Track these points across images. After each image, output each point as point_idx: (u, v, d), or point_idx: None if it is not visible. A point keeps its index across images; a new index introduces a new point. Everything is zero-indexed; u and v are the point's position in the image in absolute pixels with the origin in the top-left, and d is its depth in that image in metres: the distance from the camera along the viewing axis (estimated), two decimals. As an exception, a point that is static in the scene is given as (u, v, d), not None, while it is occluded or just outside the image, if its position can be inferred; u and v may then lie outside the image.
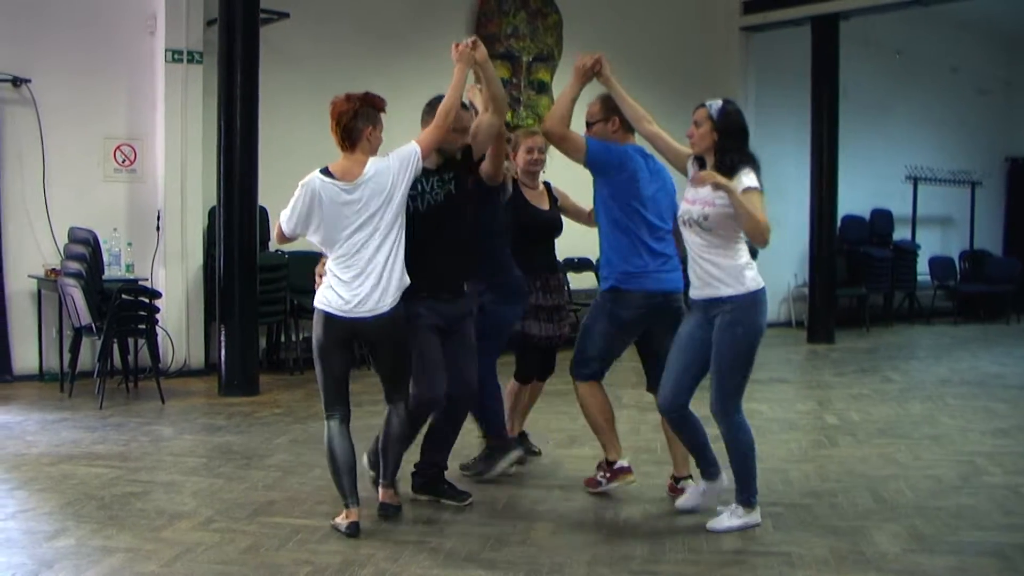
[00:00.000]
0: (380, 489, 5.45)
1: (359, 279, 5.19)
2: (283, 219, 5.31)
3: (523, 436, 6.82)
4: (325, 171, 5.23)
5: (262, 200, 9.55)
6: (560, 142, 5.65)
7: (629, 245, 5.66)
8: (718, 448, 5.49)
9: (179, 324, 10.10)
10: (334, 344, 5.31)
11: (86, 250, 8.76)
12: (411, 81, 9.61)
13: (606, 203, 5.72)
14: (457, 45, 5.57)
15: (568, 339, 6.51)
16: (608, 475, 5.96)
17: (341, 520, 5.22)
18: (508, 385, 6.55)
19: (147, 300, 8.99)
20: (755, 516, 5.32)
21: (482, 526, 5.35)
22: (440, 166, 5.56)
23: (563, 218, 6.63)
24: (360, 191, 5.15)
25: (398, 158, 5.25)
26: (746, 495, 5.31)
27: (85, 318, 8.68)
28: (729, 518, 5.30)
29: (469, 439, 6.42)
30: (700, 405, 5.45)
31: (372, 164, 5.22)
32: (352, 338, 5.34)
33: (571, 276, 12.20)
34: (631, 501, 5.79)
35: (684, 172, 5.56)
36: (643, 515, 5.59)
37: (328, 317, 5.28)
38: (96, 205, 9.91)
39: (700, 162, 5.42)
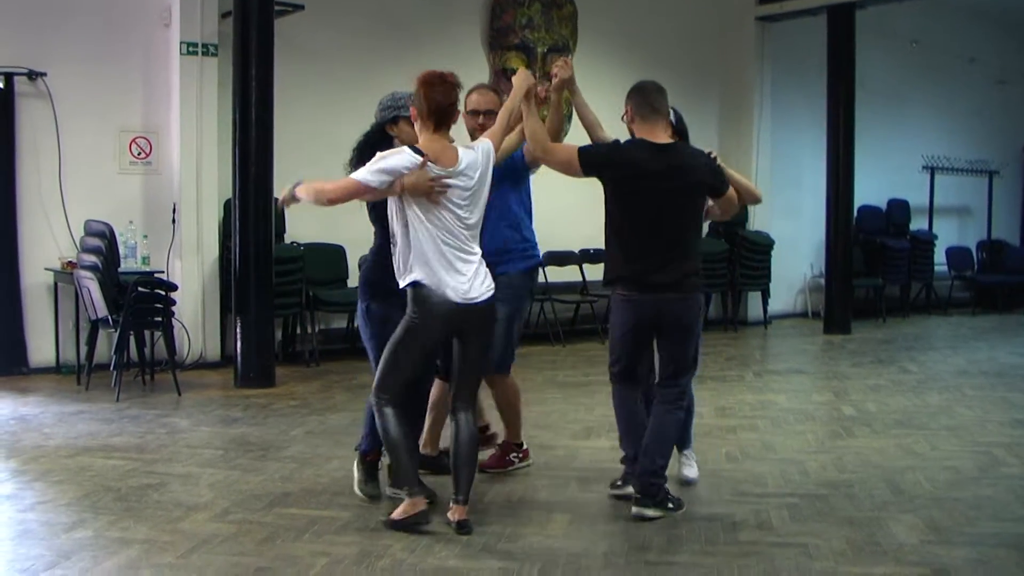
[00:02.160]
0: (454, 506, 5.13)
1: (466, 265, 5.10)
2: (364, 174, 4.97)
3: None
4: (416, 150, 5.03)
5: (277, 192, 9.52)
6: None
7: None
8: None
9: (195, 316, 10.12)
10: (440, 329, 5.16)
11: (102, 243, 8.78)
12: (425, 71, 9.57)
13: None
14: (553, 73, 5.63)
15: None
16: (521, 455, 6.27)
17: (407, 510, 5.08)
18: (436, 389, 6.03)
19: (163, 292, 9.01)
20: None
21: (499, 517, 5.34)
22: None
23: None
24: (456, 178, 5.05)
25: (483, 153, 5.18)
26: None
27: (101, 311, 8.71)
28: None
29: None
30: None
31: (463, 153, 5.11)
32: (458, 326, 5.17)
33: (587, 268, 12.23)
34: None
35: None
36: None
37: (444, 299, 5.06)
38: (112, 198, 9.93)
39: None
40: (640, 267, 5.38)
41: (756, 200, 6.12)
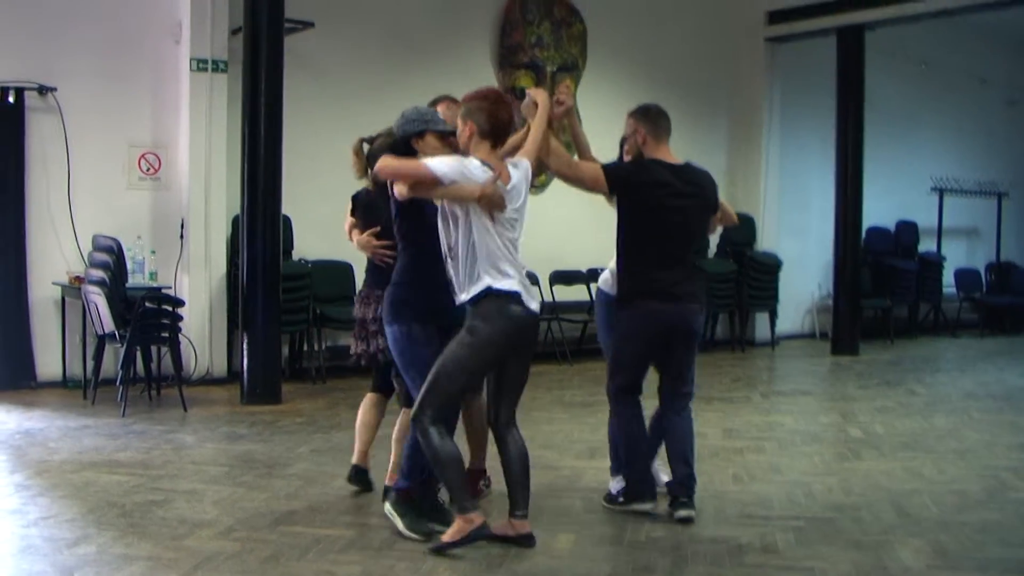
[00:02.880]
0: (515, 521, 5.15)
1: (520, 275, 5.14)
2: (440, 166, 4.97)
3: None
4: (486, 164, 5.05)
5: (285, 208, 9.57)
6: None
7: None
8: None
9: (202, 332, 10.12)
10: (508, 339, 5.10)
11: (110, 258, 8.80)
12: (435, 90, 9.56)
13: None
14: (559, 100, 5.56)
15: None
16: (487, 481, 6.17)
17: (463, 529, 5.00)
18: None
19: (170, 308, 9.02)
20: None
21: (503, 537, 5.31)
22: None
23: None
24: (509, 193, 5.09)
25: (523, 172, 5.21)
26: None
27: (108, 326, 8.71)
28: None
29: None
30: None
31: (512, 170, 5.15)
32: (524, 337, 5.18)
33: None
34: (653, 515, 5.76)
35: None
36: (665, 527, 5.55)
37: (523, 305, 5.08)
38: (120, 213, 9.95)
39: None
40: (669, 279, 5.60)
41: (733, 221, 6.27)
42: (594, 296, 6.48)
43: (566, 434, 8.00)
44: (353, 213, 6.06)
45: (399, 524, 5.29)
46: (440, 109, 5.74)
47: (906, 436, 8.19)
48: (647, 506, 5.73)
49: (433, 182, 4.96)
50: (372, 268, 5.92)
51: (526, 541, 5.13)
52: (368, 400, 6.21)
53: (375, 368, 6.06)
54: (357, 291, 6.21)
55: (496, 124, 5.14)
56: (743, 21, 14.44)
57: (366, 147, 5.60)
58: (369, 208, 5.85)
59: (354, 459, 6.21)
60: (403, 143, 5.38)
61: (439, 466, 5.07)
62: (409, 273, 5.34)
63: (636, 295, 5.63)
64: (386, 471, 5.83)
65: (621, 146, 5.93)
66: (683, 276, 5.66)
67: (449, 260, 5.09)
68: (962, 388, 10.86)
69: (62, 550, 5.05)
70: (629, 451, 5.79)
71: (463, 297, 5.05)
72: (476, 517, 5.05)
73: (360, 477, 6.20)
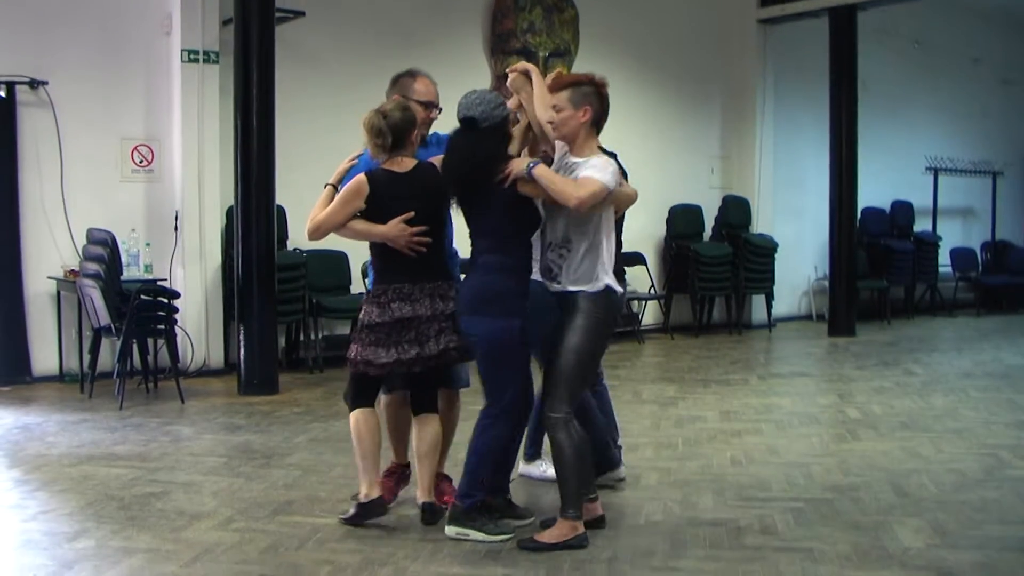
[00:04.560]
0: (590, 505, 5.19)
1: None
2: (609, 178, 4.90)
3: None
4: (612, 154, 5.14)
5: (279, 199, 9.55)
6: None
7: None
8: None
9: (198, 324, 10.11)
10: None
11: (104, 251, 8.77)
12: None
13: None
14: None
15: None
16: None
17: (566, 534, 4.94)
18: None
19: (166, 300, 9.01)
20: None
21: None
22: None
23: None
24: None
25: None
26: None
27: (104, 319, 8.70)
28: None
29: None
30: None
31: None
32: None
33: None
34: (652, 499, 5.76)
35: None
36: (664, 512, 5.56)
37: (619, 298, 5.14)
38: (114, 206, 9.92)
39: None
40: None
41: None
42: None
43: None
44: (368, 197, 5.18)
45: (478, 537, 5.05)
46: (419, 87, 5.56)
47: (904, 416, 8.20)
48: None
49: (606, 197, 4.94)
50: (389, 264, 5.23)
51: (599, 524, 5.20)
52: (391, 401, 5.61)
53: (403, 379, 5.43)
54: (370, 290, 5.40)
55: (605, 111, 5.10)
56: (735, 3, 14.40)
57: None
58: (391, 191, 5.17)
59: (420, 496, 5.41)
60: (503, 132, 5.13)
61: (579, 463, 4.99)
62: (523, 265, 5.11)
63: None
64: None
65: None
66: None
67: (553, 249, 5.03)
68: (959, 367, 10.87)
69: (61, 544, 5.05)
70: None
71: (572, 288, 4.97)
72: (581, 525, 5.01)
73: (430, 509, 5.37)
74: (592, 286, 4.95)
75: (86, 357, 9.37)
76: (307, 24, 10.62)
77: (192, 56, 10.06)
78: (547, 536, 4.97)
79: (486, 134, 5.05)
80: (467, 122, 5.08)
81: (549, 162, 5.14)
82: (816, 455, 6.88)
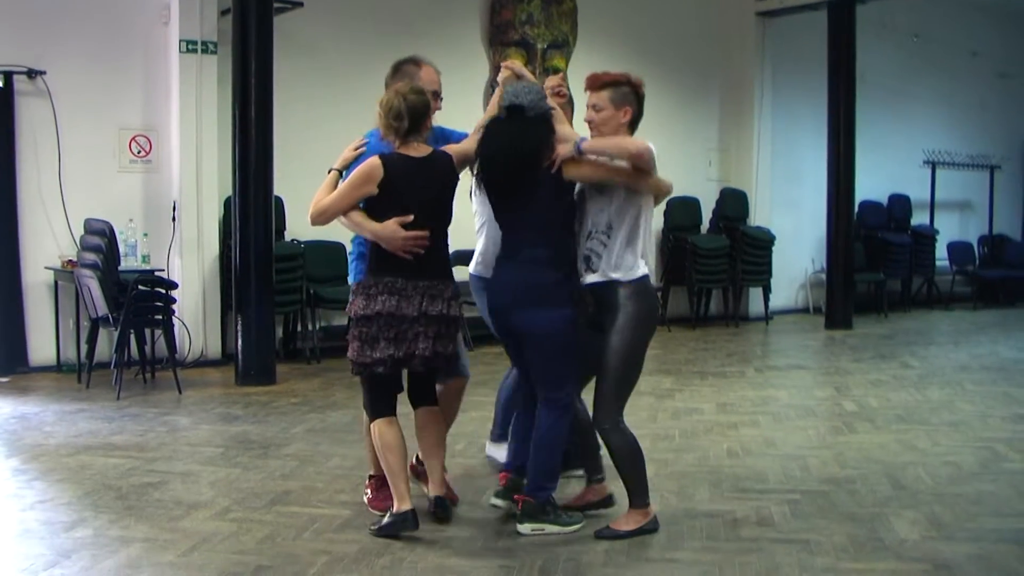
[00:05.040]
0: (599, 486, 5.35)
1: None
2: (650, 147, 4.88)
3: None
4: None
5: (278, 189, 9.55)
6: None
7: None
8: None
9: (195, 314, 10.11)
10: None
11: (102, 241, 8.77)
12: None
13: None
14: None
15: None
16: None
17: (640, 520, 5.03)
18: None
19: (163, 291, 9.00)
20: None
21: (499, 515, 5.31)
22: None
23: None
24: None
25: None
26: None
27: (102, 309, 8.70)
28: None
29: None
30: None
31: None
32: None
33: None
34: (649, 490, 5.76)
35: None
36: (661, 504, 5.55)
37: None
38: (112, 196, 9.91)
39: None
40: None
41: None
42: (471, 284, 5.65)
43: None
44: (381, 182, 4.91)
45: (554, 530, 5.01)
46: (425, 76, 5.37)
47: (900, 409, 8.22)
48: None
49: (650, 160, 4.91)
50: (385, 257, 4.97)
51: (607, 503, 5.33)
52: (388, 423, 5.09)
53: (410, 377, 5.18)
54: (359, 281, 5.09)
55: (641, 112, 5.08)
56: (734, -4, 14.41)
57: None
58: (406, 177, 4.94)
59: (431, 491, 5.26)
60: (548, 117, 5.04)
61: (637, 459, 5.03)
62: (569, 255, 5.03)
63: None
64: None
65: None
66: None
67: (593, 237, 4.94)
68: (956, 360, 10.89)
69: (59, 533, 5.05)
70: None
71: (612, 274, 4.89)
72: (651, 510, 5.08)
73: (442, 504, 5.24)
74: (630, 273, 4.89)
75: (83, 347, 9.38)
76: (305, 15, 10.61)
77: (190, 46, 10.05)
78: (623, 524, 5.02)
79: (535, 122, 4.95)
80: (514, 109, 4.95)
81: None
82: (813, 447, 6.89)
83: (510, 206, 5.06)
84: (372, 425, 5.07)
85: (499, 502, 5.23)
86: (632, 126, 5.04)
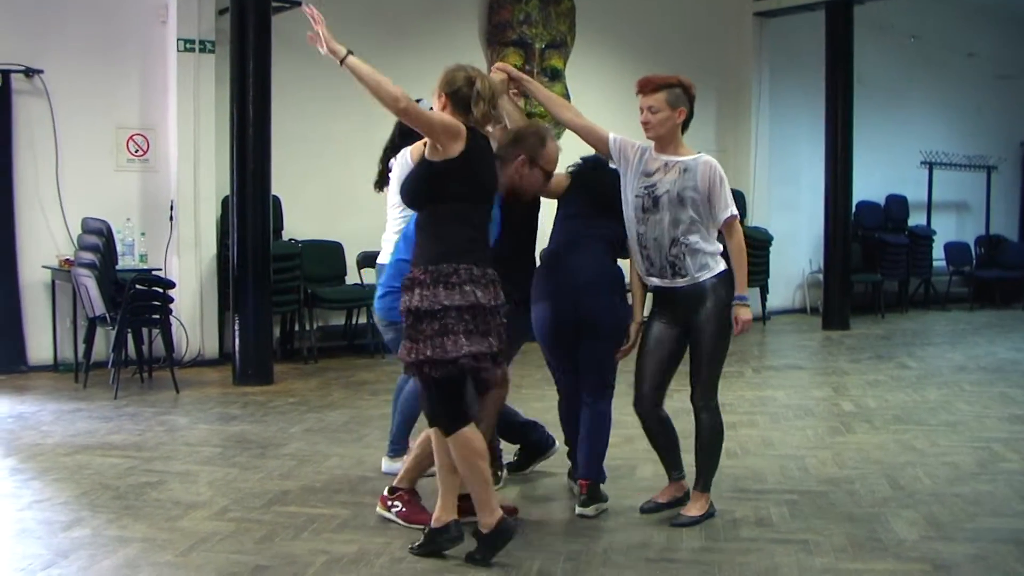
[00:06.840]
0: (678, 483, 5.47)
1: None
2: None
3: None
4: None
5: (275, 189, 9.54)
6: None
7: None
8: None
9: (193, 314, 10.10)
10: None
11: (99, 240, 8.76)
12: (422, 68, 9.54)
13: None
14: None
15: None
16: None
17: (704, 506, 5.25)
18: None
19: (161, 290, 8.99)
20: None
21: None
22: None
23: None
24: None
25: None
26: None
27: (99, 308, 8.69)
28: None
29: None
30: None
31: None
32: None
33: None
34: (647, 490, 5.76)
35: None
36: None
37: None
38: (109, 195, 9.90)
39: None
40: None
41: None
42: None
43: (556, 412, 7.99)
44: (463, 149, 4.52)
45: (604, 507, 5.41)
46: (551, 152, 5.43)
47: (898, 409, 8.22)
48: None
49: None
50: (456, 241, 4.51)
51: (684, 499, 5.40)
52: (473, 428, 4.64)
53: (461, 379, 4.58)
54: (428, 269, 4.47)
55: (692, 112, 5.19)
56: (731, -4, 14.42)
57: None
58: (483, 154, 4.69)
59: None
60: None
61: (719, 443, 5.32)
62: (604, 259, 5.39)
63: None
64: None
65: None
66: None
67: (676, 244, 5.11)
68: (953, 361, 10.89)
69: (57, 533, 5.04)
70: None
71: (700, 277, 5.13)
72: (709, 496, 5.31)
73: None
74: (716, 270, 5.16)
75: (81, 347, 9.37)
76: (303, 14, 10.56)
77: (188, 45, 10.04)
78: (694, 510, 5.22)
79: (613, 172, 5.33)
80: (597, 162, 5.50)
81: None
82: (811, 447, 6.89)
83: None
84: (457, 435, 4.53)
85: (587, 511, 5.34)
86: (684, 126, 5.21)
